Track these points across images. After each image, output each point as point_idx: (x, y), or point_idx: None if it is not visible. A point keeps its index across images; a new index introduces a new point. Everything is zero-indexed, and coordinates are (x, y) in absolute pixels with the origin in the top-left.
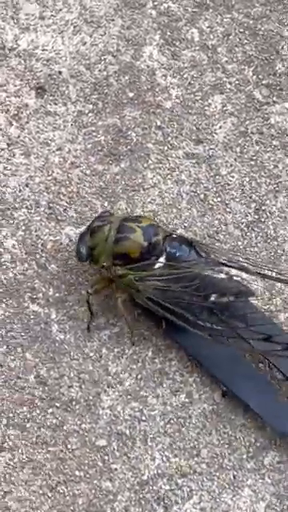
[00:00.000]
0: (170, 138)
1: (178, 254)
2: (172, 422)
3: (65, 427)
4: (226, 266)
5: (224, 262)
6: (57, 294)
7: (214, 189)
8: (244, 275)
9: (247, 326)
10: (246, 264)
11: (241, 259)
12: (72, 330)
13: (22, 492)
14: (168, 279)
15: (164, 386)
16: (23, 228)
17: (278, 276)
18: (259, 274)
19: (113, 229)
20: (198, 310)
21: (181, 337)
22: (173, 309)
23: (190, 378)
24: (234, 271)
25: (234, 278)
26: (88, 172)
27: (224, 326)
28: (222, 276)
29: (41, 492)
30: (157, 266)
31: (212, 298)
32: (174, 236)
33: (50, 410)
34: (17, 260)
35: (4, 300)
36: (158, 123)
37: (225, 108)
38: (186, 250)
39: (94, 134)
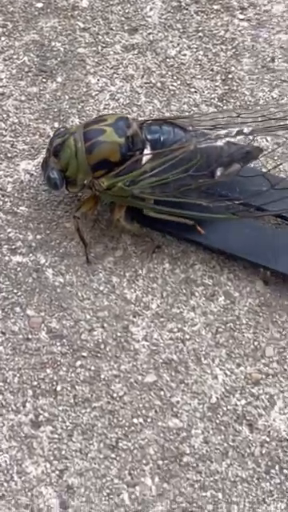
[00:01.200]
0: (100, 37)
1: (162, 139)
2: (220, 330)
3: (102, 376)
4: (216, 130)
5: (214, 128)
6: (38, 236)
7: (170, 73)
8: (243, 133)
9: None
10: (238, 119)
11: (230, 117)
12: (70, 268)
13: (80, 463)
14: (163, 169)
15: (196, 294)
16: None
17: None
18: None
19: (78, 140)
20: (210, 192)
21: (198, 235)
22: (183, 201)
23: (222, 276)
24: (232, 131)
25: (232, 141)
26: (23, 98)
27: (243, 198)
28: (220, 144)
29: (101, 456)
30: (144, 160)
31: (218, 173)
32: (150, 121)
33: (78, 363)
34: None
35: None
36: (81, 25)
37: None
38: (169, 130)
39: (15, 56)
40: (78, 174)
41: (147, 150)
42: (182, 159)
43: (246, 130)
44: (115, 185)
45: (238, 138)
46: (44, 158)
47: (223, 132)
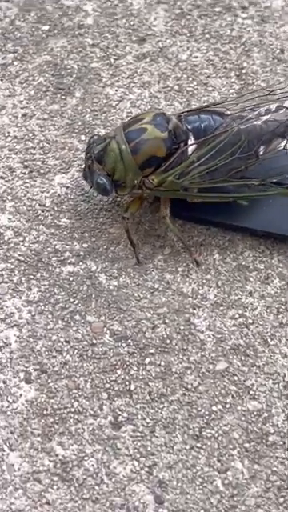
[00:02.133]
0: (110, 50)
1: (203, 126)
2: (281, 310)
3: (173, 369)
4: (253, 110)
5: (249, 108)
6: (84, 245)
7: (185, 75)
8: (284, 107)
9: None
10: (272, 96)
11: (262, 96)
12: (122, 271)
13: (168, 457)
14: (212, 156)
15: (251, 279)
16: (9, 198)
17: None
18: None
19: (121, 142)
20: (257, 172)
21: (243, 221)
22: (234, 184)
23: (272, 259)
24: (270, 108)
25: (270, 119)
26: (46, 116)
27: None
28: (259, 123)
29: (187, 447)
30: (190, 150)
31: (261, 152)
32: (185, 112)
33: (148, 360)
34: (21, 232)
35: (32, 276)
36: (91, 42)
37: (148, 0)
38: (208, 117)
39: (31, 78)
40: (126, 176)
41: (191, 140)
42: (227, 143)
43: (286, 104)
44: (165, 180)
45: (280, 112)
46: (85, 167)
47: (262, 110)
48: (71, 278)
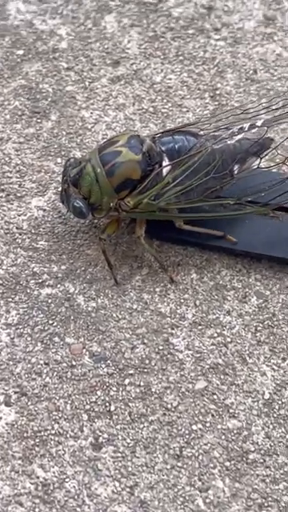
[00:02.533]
0: (85, 73)
1: (177, 147)
2: (259, 328)
3: (153, 389)
4: (227, 129)
5: (223, 127)
6: (62, 267)
7: (159, 97)
8: (256, 126)
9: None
10: (242, 115)
11: (235, 115)
12: (100, 292)
13: (149, 477)
14: (187, 176)
15: (229, 298)
16: None
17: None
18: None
19: (96, 165)
20: (232, 191)
21: (222, 239)
22: (209, 205)
23: (250, 278)
24: (244, 127)
25: (243, 138)
26: (22, 140)
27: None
28: (233, 142)
29: (168, 467)
30: (165, 171)
31: (235, 171)
32: (159, 134)
33: (127, 381)
34: None
35: (10, 299)
36: (65, 65)
37: (122, 23)
38: (182, 138)
39: (6, 102)
40: (102, 199)
41: (165, 162)
42: (202, 163)
43: (258, 123)
44: (141, 201)
45: (253, 131)
46: (62, 191)
47: (235, 129)
48: (50, 301)
